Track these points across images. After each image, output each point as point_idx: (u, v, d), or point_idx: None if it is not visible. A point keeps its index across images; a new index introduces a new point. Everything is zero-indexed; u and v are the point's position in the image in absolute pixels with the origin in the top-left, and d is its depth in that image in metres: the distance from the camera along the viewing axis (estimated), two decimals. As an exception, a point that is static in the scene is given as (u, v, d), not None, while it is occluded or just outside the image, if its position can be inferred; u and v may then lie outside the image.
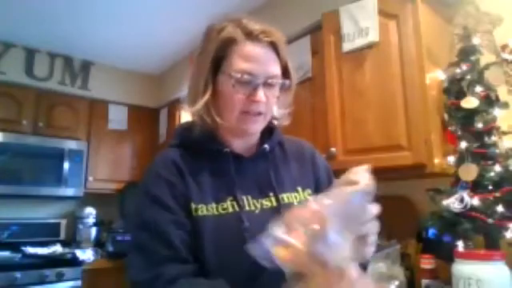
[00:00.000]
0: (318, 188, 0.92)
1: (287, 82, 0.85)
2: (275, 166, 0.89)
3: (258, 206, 0.83)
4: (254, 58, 0.79)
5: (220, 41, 0.80)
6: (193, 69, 0.88)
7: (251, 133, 0.87)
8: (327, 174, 0.96)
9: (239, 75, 0.78)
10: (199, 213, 0.78)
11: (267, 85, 0.80)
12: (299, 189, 0.89)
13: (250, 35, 0.80)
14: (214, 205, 0.80)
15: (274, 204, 0.84)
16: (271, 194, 0.85)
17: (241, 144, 0.89)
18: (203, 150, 0.86)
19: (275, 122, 0.94)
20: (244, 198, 0.82)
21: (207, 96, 0.81)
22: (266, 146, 0.89)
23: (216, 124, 0.85)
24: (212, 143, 0.86)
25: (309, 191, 0.89)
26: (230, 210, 0.80)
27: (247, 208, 0.81)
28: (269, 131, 0.92)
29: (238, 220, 0.78)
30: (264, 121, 0.86)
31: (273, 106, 0.86)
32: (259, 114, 0.82)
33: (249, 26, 0.80)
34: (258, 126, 0.85)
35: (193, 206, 0.78)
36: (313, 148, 0.99)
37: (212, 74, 0.82)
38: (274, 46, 0.81)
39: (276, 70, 0.82)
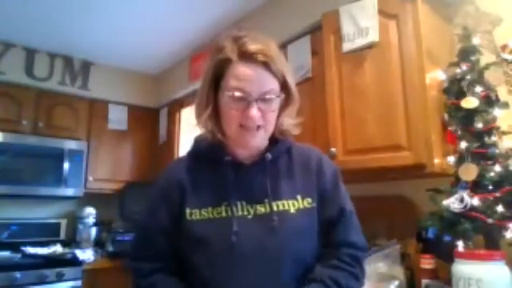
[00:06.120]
0: (323, 196, 0.93)
1: (282, 95, 0.89)
2: (275, 174, 0.92)
3: (252, 211, 0.87)
4: (245, 78, 0.84)
5: (217, 61, 0.88)
6: (200, 83, 0.95)
7: (251, 146, 0.90)
8: (332, 181, 0.96)
9: (231, 93, 0.84)
10: (193, 217, 0.88)
11: (263, 100, 0.85)
12: (298, 197, 0.91)
13: (244, 56, 0.85)
14: (209, 209, 0.88)
15: (268, 210, 0.87)
16: (266, 201, 0.88)
17: (246, 153, 0.93)
18: (208, 159, 0.94)
19: (277, 134, 0.96)
20: (238, 203, 0.88)
21: (208, 111, 0.90)
22: (268, 154, 0.92)
23: (223, 135, 0.92)
24: (216, 153, 0.93)
25: (309, 200, 0.91)
26: (224, 214, 0.87)
27: (240, 213, 0.87)
28: (276, 140, 0.95)
29: (228, 224, 0.84)
30: (264, 133, 0.90)
31: (272, 119, 0.90)
32: (258, 128, 0.86)
33: (246, 45, 0.85)
34: (257, 140, 0.89)
35: (187, 210, 0.89)
36: (320, 155, 1.00)
37: (214, 90, 0.90)
38: (266, 65, 0.85)
39: (269, 85, 0.86)
